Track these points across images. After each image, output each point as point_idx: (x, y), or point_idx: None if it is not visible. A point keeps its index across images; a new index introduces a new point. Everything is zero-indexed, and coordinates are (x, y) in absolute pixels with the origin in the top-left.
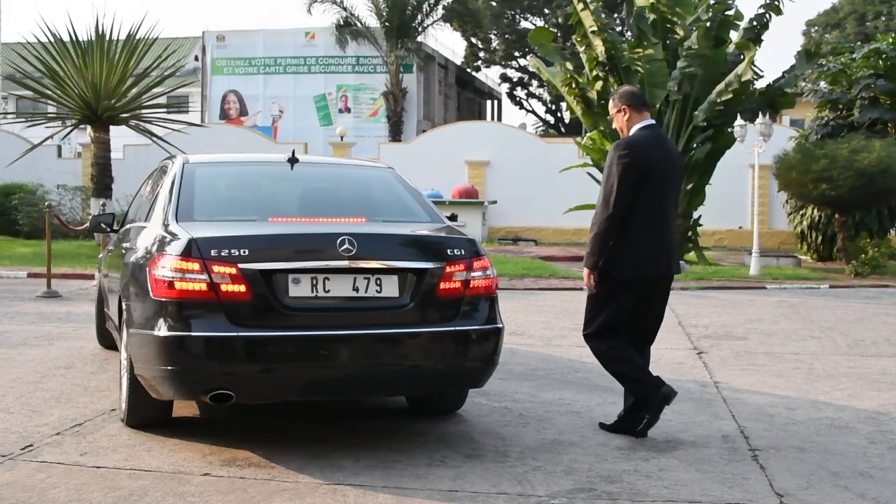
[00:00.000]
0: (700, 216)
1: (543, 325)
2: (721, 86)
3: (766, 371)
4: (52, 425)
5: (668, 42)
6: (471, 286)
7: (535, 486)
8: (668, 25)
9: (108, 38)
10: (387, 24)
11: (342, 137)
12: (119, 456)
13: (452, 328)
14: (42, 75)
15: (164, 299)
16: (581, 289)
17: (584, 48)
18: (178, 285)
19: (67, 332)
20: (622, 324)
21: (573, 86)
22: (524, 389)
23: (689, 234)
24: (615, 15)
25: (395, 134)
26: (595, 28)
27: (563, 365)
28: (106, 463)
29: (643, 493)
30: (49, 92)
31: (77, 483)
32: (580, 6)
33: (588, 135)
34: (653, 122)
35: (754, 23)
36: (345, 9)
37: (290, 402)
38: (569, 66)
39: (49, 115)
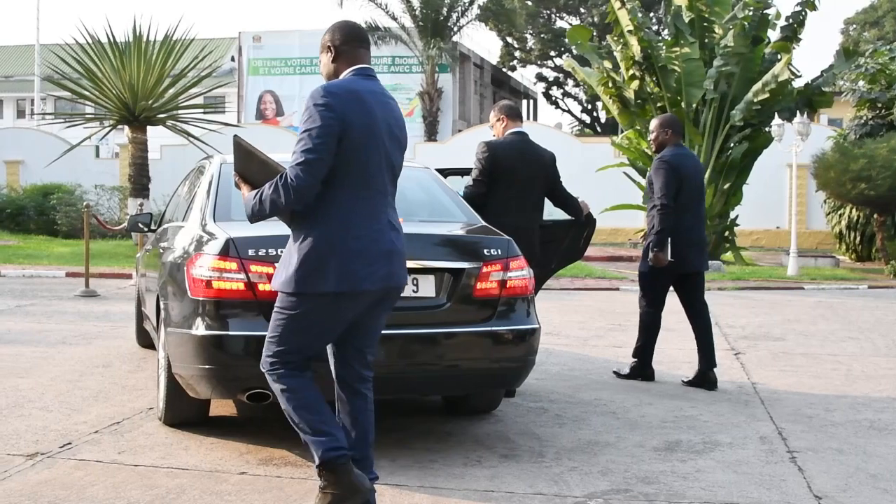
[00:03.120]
0: (737, 216)
1: (580, 326)
2: (758, 85)
3: (805, 372)
4: (91, 423)
5: (705, 41)
6: (507, 286)
7: (572, 487)
8: (705, 24)
9: (145, 39)
10: (421, 23)
11: None
12: (157, 454)
13: (489, 328)
14: (80, 76)
15: (201, 298)
16: (617, 289)
17: (620, 47)
18: (215, 285)
19: (105, 330)
20: None
21: (609, 85)
22: (560, 390)
23: (726, 234)
24: (652, 14)
25: (431, 134)
26: (632, 27)
27: (599, 365)
28: (143, 461)
29: (680, 495)
30: (87, 93)
31: (115, 481)
32: (617, 5)
33: (624, 134)
34: (523, 130)
35: (791, 21)
36: (379, 6)
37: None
38: (606, 64)
39: (87, 116)
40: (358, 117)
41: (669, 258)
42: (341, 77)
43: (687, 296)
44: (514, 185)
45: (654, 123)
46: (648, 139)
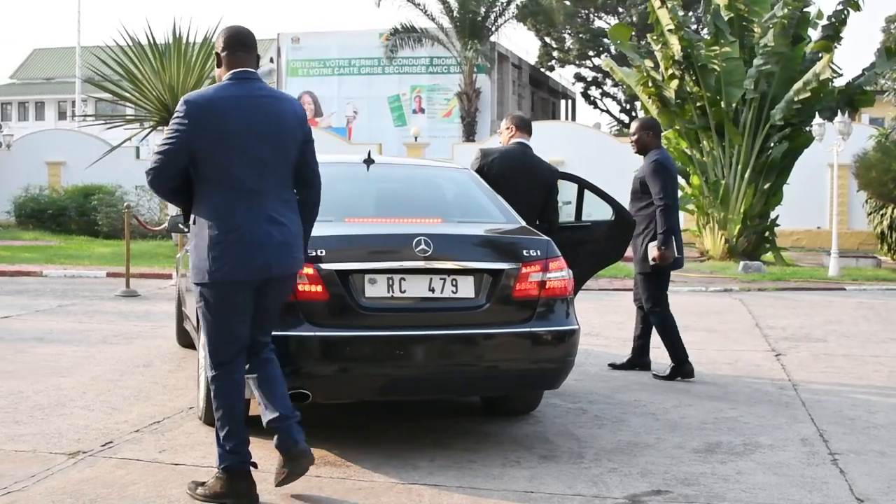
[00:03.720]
0: (777, 216)
1: (619, 326)
2: (799, 84)
3: (846, 373)
4: (132, 422)
5: (744, 40)
6: (546, 287)
7: (611, 488)
8: (745, 23)
9: (185, 41)
10: (458, 24)
11: (416, 138)
12: (197, 453)
13: (528, 329)
14: (121, 78)
15: None
16: None
17: (660, 46)
18: None
19: (146, 330)
20: None
21: (648, 84)
22: (599, 390)
23: (767, 234)
24: (691, 13)
25: (469, 134)
26: (672, 26)
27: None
28: (184, 460)
29: (720, 497)
30: (128, 94)
31: (156, 480)
32: (657, 4)
33: (663, 134)
34: (527, 142)
35: (832, 19)
36: (416, 5)
37: (364, 402)
38: (647, 63)
39: (128, 118)
40: (212, 124)
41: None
42: (219, 83)
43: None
44: (511, 193)
45: (634, 126)
46: (630, 141)
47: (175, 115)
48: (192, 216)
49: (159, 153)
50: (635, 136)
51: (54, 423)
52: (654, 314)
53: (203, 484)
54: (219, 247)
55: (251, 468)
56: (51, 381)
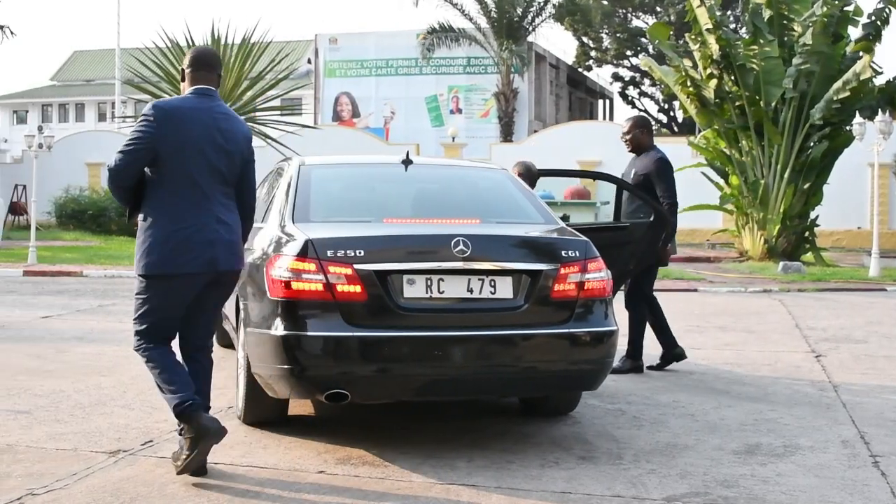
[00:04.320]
0: (817, 216)
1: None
2: (839, 83)
3: (887, 375)
4: (171, 422)
5: (784, 39)
6: (585, 288)
7: (650, 490)
8: (784, 22)
9: (223, 42)
10: (496, 24)
11: (454, 138)
12: (236, 452)
13: (566, 330)
14: (160, 80)
15: (280, 299)
16: (695, 290)
17: (698, 46)
18: (294, 285)
19: None
20: None
21: (687, 84)
22: (638, 391)
23: (807, 234)
24: (729, 12)
25: (507, 134)
26: (710, 25)
27: (677, 367)
28: (223, 459)
29: (760, 499)
30: (166, 96)
31: (195, 478)
32: (696, 3)
33: (701, 134)
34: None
35: (873, 18)
36: (454, 5)
37: (402, 402)
38: (686, 62)
39: None
40: (174, 131)
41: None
42: (183, 95)
43: (650, 286)
44: None
45: (628, 125)
46: (623, 139)
47: (142, 118)
48: (141, 214)
49: (123, 153)
50: (629, 135)
51: (95, 421)
52: (643, 308)
53: (178, 458)
54: (172, 240)
55: (203, 404)
56: (91, 381)
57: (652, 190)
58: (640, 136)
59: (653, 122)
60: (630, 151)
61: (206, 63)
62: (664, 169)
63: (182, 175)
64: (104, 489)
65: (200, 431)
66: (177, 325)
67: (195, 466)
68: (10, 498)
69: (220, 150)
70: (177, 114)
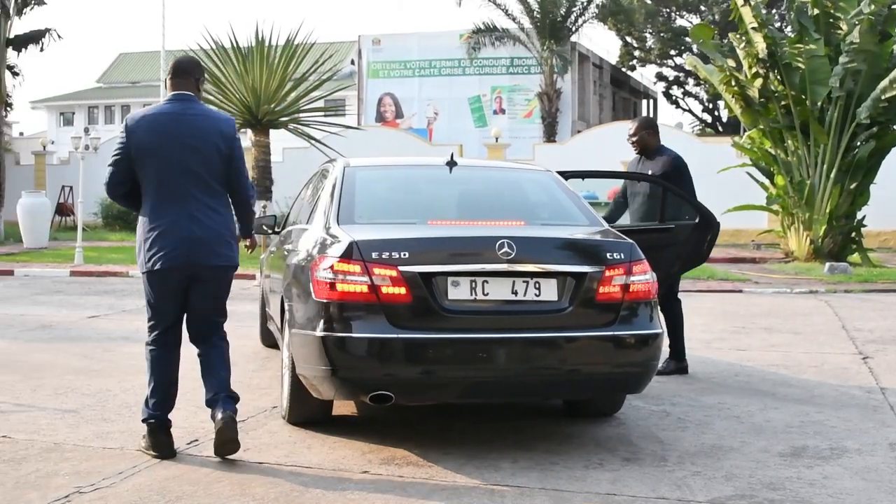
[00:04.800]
0: (864, 216)
1: (702, 328)
2: (885, 82)
3: None
4: None
5: (830, 37)
6: (630, 290)
7: (695, 492)
8: (831, 20)
9: (267, 44)
10: (539, 24)
11: (497, 139)
12: (281, 452)
13: (611, 333)
14: (205, 81)
15: (325, 300)
16: (740, 291)
17: (743, 45)
18: (339, 287)
19: (230, 330)
20: None
21: (732, 83)
22: (683, 393)
23: (853, 234)
24: (775, 10)
25: (550, 135)
26: (755, 24)
27: (722, 368)
28: (268, 459)
29: (806, 502)
30: (211, 97)
31: (240, 478)
32: (740, 2)
33: (747, 133)
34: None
35: None
36: (497, 5)
37: (446, 403)
38: (730, 62)
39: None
40: (145, 138)
41: None
42: (161, 102)
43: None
44: None
45: (635, 126)
46: (629, 141)
47: (121, 131)
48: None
49: (109, 166)
50: (636, 137)
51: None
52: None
53: (143, 439)
54: (149, 241)
55: (167, 426)
56: (137, 380)
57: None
58: (647, 137)
59: (697, 122)
60: (638, 153)
61: (182, 70)
62: (682, 168)
63: (154, 178)
64: (150, 488)
65: (154, 447)
66: (174, 320)
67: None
68: (57, 496)
69: (190, 149)
70: (143, 122)
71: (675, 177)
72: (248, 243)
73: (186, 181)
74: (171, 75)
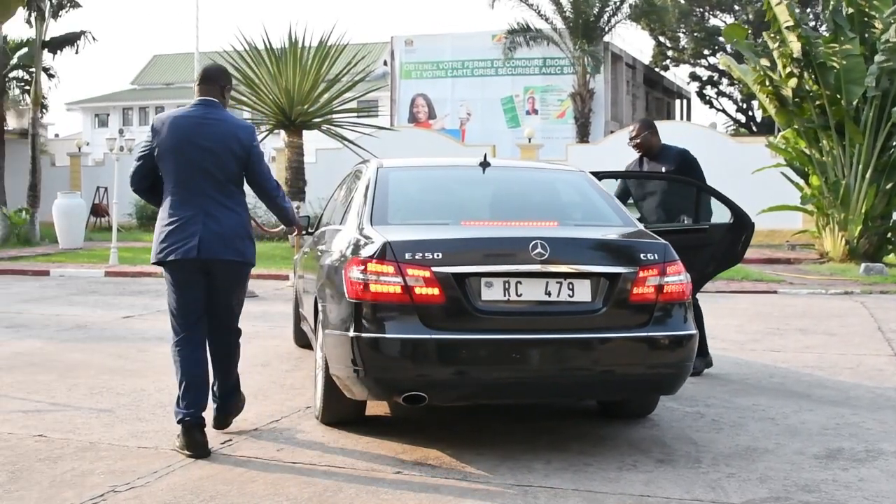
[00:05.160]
0: None
1: (737, 329)
2: None
3: None
4: (250, 421)
5: (865, 36)
6: (664, 291)
7: (730, 494)
8: (866, 19)
9: (300, 45)
10: (571, 24)
11: (530, 139)
12: (314, 452)
13: (645, 334)
14: (238, 82)
15: (358, 301)
16: (775, 292)
17: (777, 44)
18: (372, 287)
19: (263, 330)
20: None
21: (766, 83)
22: (717, 394)
23: (889, 235)
24: (809, 9)
25: (583, 135)
26: (790, 23)
27: (757, 369)
28: (301, 459)
29: None
30: (245, 98)
31: (274, 478)
32: (774, 1)
33: (781, 133)
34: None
35: None
36: (530, 6)
37: (479, 404)
38: (763, 62)
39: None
40: (167, 138)
41: None
42: (187, 106)
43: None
44: None
45: (637, 128)
46: (631, 143)
47: (147, 133)
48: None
49: (135, 160)
50: (639, 138)
51: (175, 420)
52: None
53: (176, 439)
54: (164, 234)
55: (202, 425)
56: (172, 380)
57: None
58: (650, 138)
59: (730, 122)
60: (642, 155)
61: (208, 77)
62: (693, 161)
63: (174, 175)
64: (185, 487)
65: (189, 447)
66: (195, 318)
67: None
68: (93, 495)
69: (207, 151)
70: (168, 123)
71: (688, 171)
72: (293, 231)
73: (203, 180)
74: (198, 82)
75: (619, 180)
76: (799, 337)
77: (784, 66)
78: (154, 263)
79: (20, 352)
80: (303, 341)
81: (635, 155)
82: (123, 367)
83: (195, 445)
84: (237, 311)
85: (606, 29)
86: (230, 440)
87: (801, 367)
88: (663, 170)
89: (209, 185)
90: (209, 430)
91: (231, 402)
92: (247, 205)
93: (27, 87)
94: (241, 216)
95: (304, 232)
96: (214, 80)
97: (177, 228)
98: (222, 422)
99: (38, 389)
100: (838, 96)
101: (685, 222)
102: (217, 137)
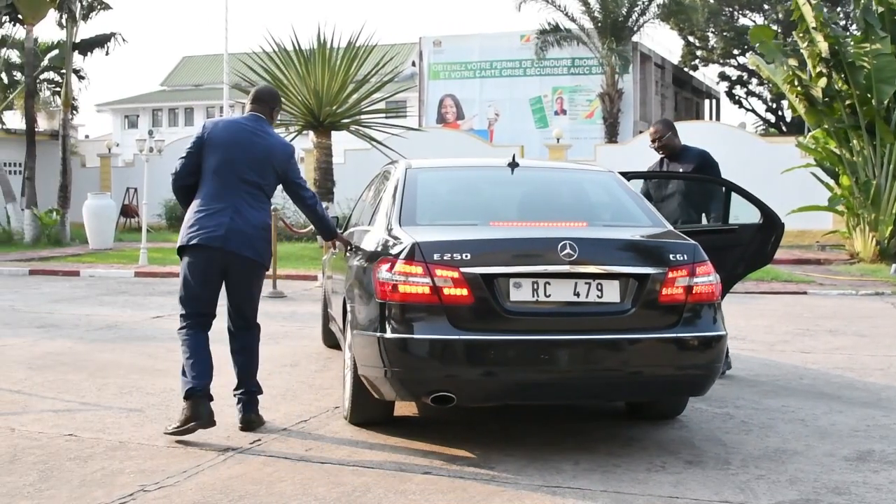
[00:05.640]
0: None
1: (766, 330)
2: None
3: None
4: (279, 421)
5: None
6: (693, 292)
7: (759, 496)
8: None
9: (329, 47)
10: (600, 24)
11: (558, 139)
12: (343, 452)
13: (674, 335)
14: (267, 84)
15: (387, 301)
16: (805, 293)
17: (806, 44)
18: (401, 288)
19: (292, 331)
20: None
21: (795, 83)
22: (746, 395)
23: None
24: (839, 9)
25: (612, 135)
26: (817, 24)
27: (786, 371)
28: (330, 459)
29: None
30: None
31: (303, 477)
32: (802, 1)
33: (811, 133)
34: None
35: None
36: (557, 7)
37: (508, 405)
38: (792, 62)
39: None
40: (219, 134)
41: None
42: (239, 115)
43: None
44: None
45: (658, 127)
46: (652, 144)
47: (196, 132)
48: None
49: (181, 158)
50: (662, 139)
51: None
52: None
53: (173, 423)
54: (192, 220)
55: (209, 395)
56: None
57: (704, 186)
58: (672, 139)
59: (760, 122)
60: (663, 156)
61: (258, 98)
62: (713, 161)
63: (214, 170)
64: (214, 487)
65: (194, 414)
66: (203, 307)
67: (178, 436)
68: (122, 494)
69: (248, 156)
70: (221, 123)
71: (708, 171)
72: (333, 246)
73: (239, 181)
74: (250, 100)
75: (641, 181)
76: (829, 338)
77: (814, 66)
78: (178, 249)
79: (51, 351)
80: (331, 341)
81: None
82: (153, 367)
83: (201, 415)
84: (254, 308)
85: (635, 28)
86: (259, 440)
87: (832, 369)
88: (680, 171)
89: (243, 187)
90: (240, 432)
91: (253, 402)
92: (271, 213)
93: (58, 89)
94: (265, 220)
95: (347, 249)
96: (264, 100)
97: (206, 217)
98: (247, 423)
99: (69, 389)
100: (869, 96)
101: (709, 223)
102: (262, 149)
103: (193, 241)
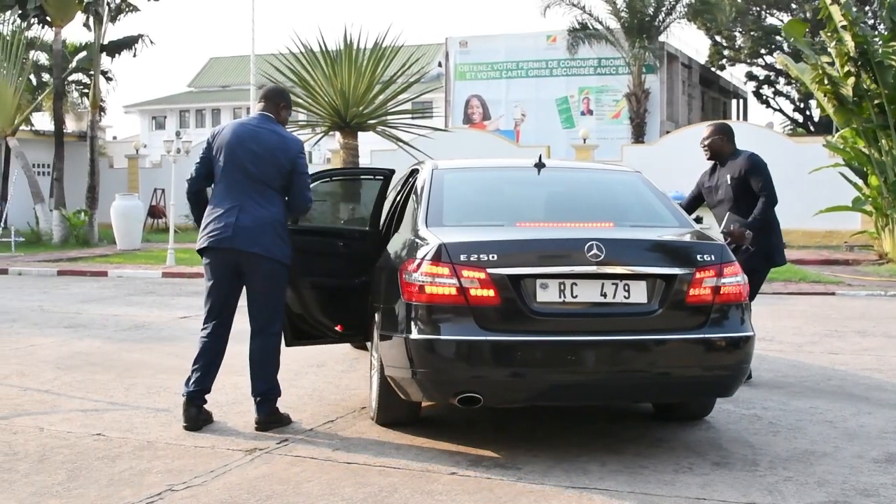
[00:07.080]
0: None
1: (794, 331)
2: None
3: None
4: (306, 421)
5: None
6: (721, 293)
7: (787, 498)
8: None
9: (355, 47)
10: (626, 24)
11: (585, 140)
12: (369, 453)
13: (701, 335)
14: (293, 85)
15: (414, 303)
16: (833, 293)
17: (834, 43)
18: (428, 289)
19: None
20: None
21: (824, 82)
22: (774, 397)
23: None
24: (866, 8)
25: (638, 135)
26: (845, 23)
27: (814, 372)
28: (357, 459)
29: None
30: (300, 100)
31: (329, 477)
32: (829, 0)
33: (839, 133)
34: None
35: None
36: (582, 9)
37: (534, 405)
38: (824, 59)
39: (300, 123)
40: (224, 140)
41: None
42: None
43: (756, 287)
44: None
45: (709, 130)
46: (702, 145)
47: (207, 137)
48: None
49: (196, 164)
50: (709, 140)
51: (232, 419)
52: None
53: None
54: (205, 224)
55: (201, 401)
56: (228, 380)
57: (751, 191)
58: (720, 143)
59: (788, 122)
60: (709, 159)
61: (266, 97)
62: (759, 163)
63: (223, 171)
64: (241, 487)
65: (183, 416)
66: (221, 309)
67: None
68: (150, 493)
69: (253, 154)
70: (227, 127)
71: (754, 174)
72: None
73: (244, 179)
74: (259, 100)
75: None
76: (857, 339)
77: (842, 65)
78: (198, 252)
79: (79, 351)
80: (358, 343)
81: (690, 155)
82: (181, 367)
83: (188, 418)
84: (274, 314)
85: (661, 28)
86: (286, 440)
87: (860, 370)
88: (727, 177)
89: (248, 184)
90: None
91: (268, 405)
92: (284, 207)
93: (86, 91)
94: (272, 214)
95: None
96: (271, 99)
97: (215, 219)
98: (263, 424)
99: (97, 389)
100: None
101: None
102: (266, 145)
103: (205, 244)
